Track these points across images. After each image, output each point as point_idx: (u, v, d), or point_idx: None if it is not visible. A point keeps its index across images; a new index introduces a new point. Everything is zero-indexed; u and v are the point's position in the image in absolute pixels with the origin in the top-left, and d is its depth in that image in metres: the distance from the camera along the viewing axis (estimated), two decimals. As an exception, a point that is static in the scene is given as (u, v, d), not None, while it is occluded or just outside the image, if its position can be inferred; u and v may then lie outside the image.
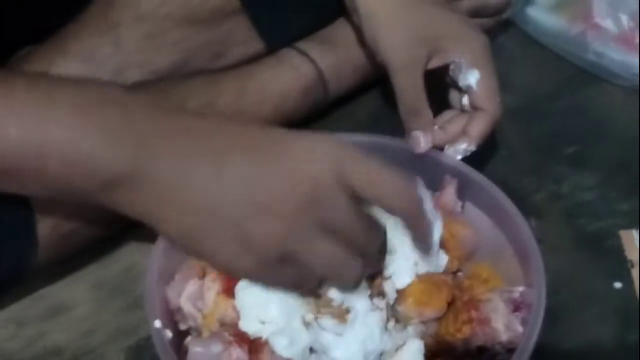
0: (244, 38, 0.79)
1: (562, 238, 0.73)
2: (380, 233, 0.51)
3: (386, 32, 0.67)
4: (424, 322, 0.57)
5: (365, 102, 0.85)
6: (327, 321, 0.53)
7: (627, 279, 0.69)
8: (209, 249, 0.48)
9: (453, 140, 0.67)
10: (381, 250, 0.53)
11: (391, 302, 0.56)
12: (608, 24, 0.83)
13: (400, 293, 0.56)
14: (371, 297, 0.55)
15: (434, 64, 0.68)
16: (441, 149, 0.68)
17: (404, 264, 0.56)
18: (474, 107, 0.67)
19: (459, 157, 0.66)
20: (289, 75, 0.77)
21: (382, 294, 0.56)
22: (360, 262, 0.50)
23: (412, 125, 0.67)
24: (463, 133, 0.67)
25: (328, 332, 0.53)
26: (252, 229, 0.46)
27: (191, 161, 0.47)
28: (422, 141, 0.66)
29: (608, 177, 0.78)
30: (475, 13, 0.80)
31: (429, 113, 0.67)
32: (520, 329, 0.56)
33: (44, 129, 0.46)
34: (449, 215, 0.63)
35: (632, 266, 0.69)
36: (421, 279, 0.57)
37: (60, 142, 0.46)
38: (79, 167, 0.46)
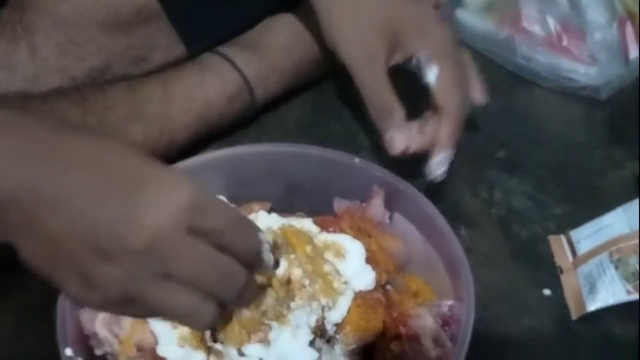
0: (165, 42, 0.76)
1: (494, 246, 0.72)
2: (240, 275, 0.45)
3: (344, 29, 0.65)
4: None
5: (293, 108, 0.83)
6: (251, 348, 0.51)
7: (556, 285, 0.68)
8: (59, 280, 0.44)
9: (432, 143, 0.64)
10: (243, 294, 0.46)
11: (331, 334, 0.54)
12: (535, 28, 0.83)
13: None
14: (314, 339, 0.53)
15: (396, 59, 0.65)
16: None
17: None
18: (437, 108, 0.64)
19: (443, 169, 0.63)
20: (213, 82, 0.75)
21: (323, 333, 0.54)
22: (213, 305, 0.45)
23: (383, 125, 0.64)
24: (434, 142, 0.64)
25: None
26: (92, 270, 0.42)
27: (48, 189, 0.42)
28: (397, 141, 0.63)
29: (540, 182, 0.78)
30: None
31: (399, 110, 0.64)
32: (449, 344, 0.55)
33: None
34: (376, 227, 0.62)
35: (562, 272, 0.69)
36: (357, 302, 0.55)
37: None
38: None
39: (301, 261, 0.55)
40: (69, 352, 0.51)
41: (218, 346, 0.51)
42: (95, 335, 0.54)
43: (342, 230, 0.59)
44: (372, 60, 0.64)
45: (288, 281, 0.54)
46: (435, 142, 0.64)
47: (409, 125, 0.66)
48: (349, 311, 0.54)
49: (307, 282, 0.54)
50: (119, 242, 0.42)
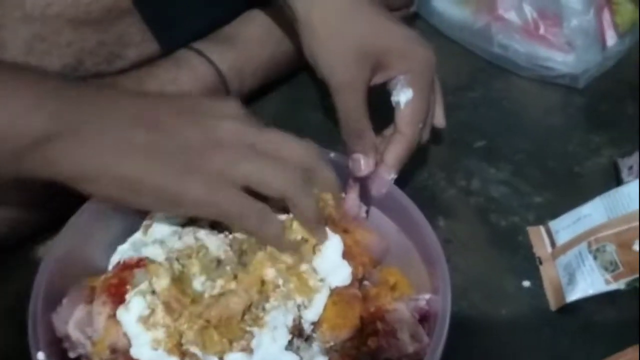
0: (138, 39, 0.75)
1: (472, 236, 0.72)
2: (308, 143, 0.56)
3: (327, 47, 0.63)
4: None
5: (269, 101, 0.82)
6: (234, 357, 0.50)
7: (535, 276, 0.68)
8: (152, 184, 0.51)
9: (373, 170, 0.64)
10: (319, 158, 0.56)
11: (308, 332, 0.54)
12: (512, 15, 0.82)
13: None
14: (291, 340, 0.52)
15: (377, 80, 0.64)
16: None
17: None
18: (396, 129, 0.64)
19: (384, 189, 0.62)
20: (187, 78, 0.74)
21: (301, 332, 0.53)
22: (302, 170, 0.54)
23: (353, 147, 0.63)
24: (380, 160, 0.63)
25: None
26: (197, 159, 0.51)
27: (116, 114, 0.52)
28: (362, 164, 0.63)
29: (519, 171, 0.77)
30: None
31: (371, 135, 0.64)
32: (426, 339, 0.54)
33: None
34: (353, 221, 0.61)
35: (541, 263, 0.68)
36: (333, 299, 0.54)
37: None
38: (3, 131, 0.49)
39: (274, 259, 0.54)
40: (41, 356, 0.50)
41: (195, 350, 0.50)
42: (68, 337, 0.53)
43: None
44: (352, 83, 0.62)
45: (262, 282, 0.53)
46: (381, 161, 0.63)
47: (376, 149, 0.65)
48: (325, 309, 0.54)
49: (280, 281, 0.53)
50: (213, 128, 0.53)
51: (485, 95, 0.84)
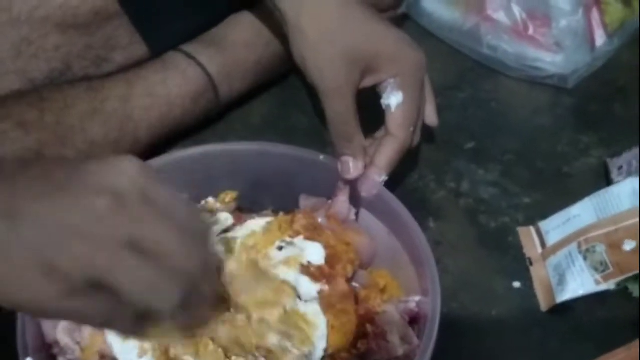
0: (126, 42, 0.75)
1: (462, 237, 0.72)
2: (202, 253, 0.43)
3: (316, 51, 0.62)
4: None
5: (259, 104, 0.82)
6: None
7: (526, 277, 0.68)
8: (9, 291, 0.41)
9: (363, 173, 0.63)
10: (204, 273, 0.44)
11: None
12: (501, 16, 0.82)
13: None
14: None
15: (366, 83, 0.64)
16: None
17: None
18: (387, 131, 0.64)
19: (374, 191, 0.62)
20: (176, 81, 0.74)
21: None
22: (178, 286, 0.42)
23: (342, 150, 0.63)
24: (371, 162, 0.63)
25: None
26: (55, 255, 0.40)
27: None
28: (351, 167, 0.63)
29: (508, 172, 0.77)
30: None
31: (360, 139, 0.64)
32: (416, 341, 0.54)
33: None
34: (342, 224, 0.61)
35: (531, 264, 0.68)
36: (331, 323, 0.54)
37: None
38: None
39: (271, 322, 0.54)
40: (28, 362, 0.50)
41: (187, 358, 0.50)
42: (57, 343, 0.53)
43: (297, 234, 0.59)
44: (342, 88, 0.62)
45: (269, 352, 0.53)
46: (372, 163, 0.63)
47: (365, 153, 0.65)
48: (327, 338, 0.54)
49: (288, 344, 0.53)
50: (80, 214, 0.40)
51: (474, 95, 0.84)
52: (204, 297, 0.44)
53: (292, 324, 0.54)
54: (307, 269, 0.56)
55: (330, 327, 0.54)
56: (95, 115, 0.70)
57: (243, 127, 0.80)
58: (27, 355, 0.50)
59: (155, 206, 0.41)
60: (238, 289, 0.55)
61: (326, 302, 0.55)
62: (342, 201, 0.62)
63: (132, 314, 0.42)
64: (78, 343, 0.52)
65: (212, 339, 0.51)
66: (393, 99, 0.63)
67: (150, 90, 0.73)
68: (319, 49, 0.62)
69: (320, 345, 0.54)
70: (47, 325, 0.53)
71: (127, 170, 0.42)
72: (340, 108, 0.62)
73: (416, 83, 0.64)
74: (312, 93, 0.83)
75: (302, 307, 0.55)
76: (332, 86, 0.62)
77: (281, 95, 0.84)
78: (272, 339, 0.53)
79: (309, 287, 0.55)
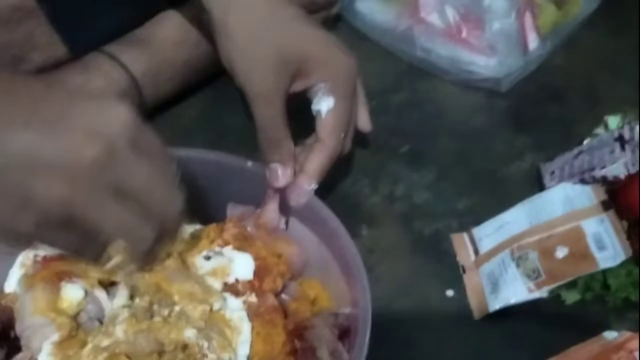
0: (45, 41, 0.71)
1: (396, 244, 0.70)
2: (177, 201, 0.47)
3: (244, 54, 0.60)
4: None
5: (188, 106, 0.80)
6: None
7: (460, 285, 0.67)
8: None
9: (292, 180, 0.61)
10: (177, 219, 0.48)
11: None
12: (434, 18, 0.81)
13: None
14: None
15: (296, 88, 0.62)
16: None
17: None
18: (317, 138, 0.62)
19: (304, 200, 0.60)
20: (98, 83, 0.71)
21: None
22: (153, 229, 0.46)
23: (271, 157, 0.61)
24: (300, 169, 0.61)
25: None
26: (34, 188, 0.42)
27: None
28: (280, 175, 0.61)
29: (443, 175, 0.76)
30: (303, 8, 0.76)
31: (289, 145, 0.61)
32: (346, 356, 0.53)
33: None
34: (272, 234, 0.59)
35: (464, 272, 0.67)
36: (256, 330, 0.53)
37: None
38: None
39: (192, 317, 0.52)
40: None
41: None
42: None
43: (226, 243, 0.56)
44: (271, 92, 0.60)
45: (184, 347, 0.50)
46: (302, 171, 0.61)
47: (295, 160, 0.63)
48: (251, 345, 0.52)
49: (205, 344, 0.51)
50: (66, 156, 0.42)
51: (409, 98, 0.83)
52: (170, 239, 0.49)
53: (214, 325, 0.52)
54: (233, 287, 0.54)
55: (256, 334, 0.53)
56: None
57: (172, 130, 0.77)
58: None
59: (142, 155, 0.44)
60: (168, 277, 0.53)
61: (253, 312, 0.53)
62: (271, 210, 0.60)
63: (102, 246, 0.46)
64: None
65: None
66: (323, 105, 0.61)
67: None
68: (247, 51, 0.60)
69: (242, 351, 0.52)
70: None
71: (119, 117, 0.44)
72: (268, 113, 0.60)
73: (347, 88, 0.62)
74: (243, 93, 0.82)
75: (228, 313, 0.53)
76: (260, 90, 0.59)
77: (213, 95, 0.81)
78: (189, 333, 0.51)
79: (234, 302, 0.53)
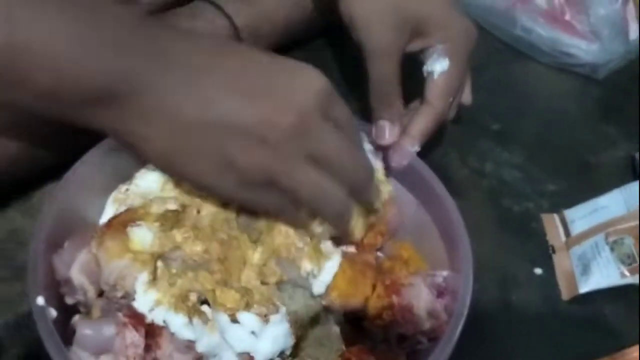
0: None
1: (484, 219, 0.70)
2: (367, 166, 0.51)
3: (366, 8, 0.60)
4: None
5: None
6: (248, 317, 0.48)
7: (548, 264, 0.66)
8: (191, 169, 0.47)
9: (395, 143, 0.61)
10: (369, 183, 0.52)
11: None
12: (539, -2, 0.80)
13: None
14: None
15: (413, 47, 0.61)
16: None
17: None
18: (425, 100, 0.61)
19: (406, 161, 0.60)
20: (203, 30, 0.70)
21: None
22: (346, 193, 0.49)
23: (380, 113, 0.60)
24: (404, 131, 0.61)
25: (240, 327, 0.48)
26: (236, 153, 0.46)
27: (178, 81, 0.46)
28: (387, 133, 0.60)
29: (532, 157, 0.76)
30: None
31: (400, 104, 0.61)
32: (444, 316, 0.52)
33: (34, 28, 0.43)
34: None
35: (554, 252, 0.67)
36: (344, 267, 0.52)
37: (46, 48, 0.43)
38: (64, 75, 0.44)
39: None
40: (40, 300, 0.47)
41: (205, 308, 0.48)
42: (68, 281, 0.50)
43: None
44: (390, 48, 0.59)
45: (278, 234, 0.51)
46: (405, 132, 0.61)
47: (401, 120, 0.62)
48: (335, 277, 0.52)
49: (299, 243, 0.51)
50: (265, 123, 0.45)
51: (501, 77, 0.82)
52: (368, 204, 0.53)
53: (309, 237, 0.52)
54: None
55: (343, 271, 0.52)
56: None
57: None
58: (38, 294, 0.47)
59: (334, 123, 0.47)
60: None
61: (348, 258, 0.53)
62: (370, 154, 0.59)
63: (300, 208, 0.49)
64: (94, 283, 0.49)
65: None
66: (438, 66, 0.61)
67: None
68: (369, 5, 0.59)
69: (324, 276, 0.51)
70: (59, 261, 0.50)
71: (313, 86, 0.47)
72: (384, 68, 0.59)
73: (464, 53, 0.62)
74: (336, 62, 0.82)
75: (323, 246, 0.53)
76: (379, 45, 0.59)
77: (304, 58, 0.80)
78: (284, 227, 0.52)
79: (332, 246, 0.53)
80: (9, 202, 0.62)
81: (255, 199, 0.49)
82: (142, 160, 0.53)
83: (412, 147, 0.60)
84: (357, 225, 0.54)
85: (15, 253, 0.59)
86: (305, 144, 0.46)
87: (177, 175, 0.51)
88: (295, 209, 0.50)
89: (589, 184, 0.72)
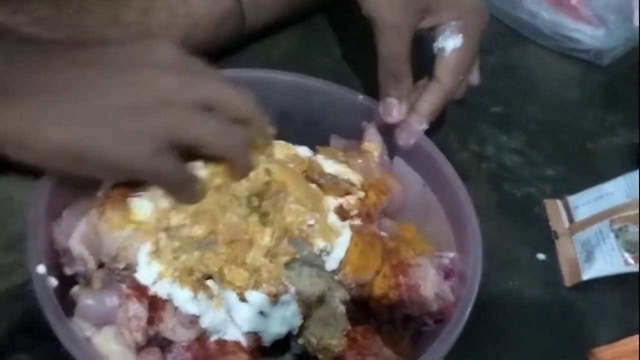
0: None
1: (484, 203, 0.68)
2: (245, 95, 0.50)
3: None
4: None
5: (281, 39, 0.78)
6: (257, 296, 0.47)
7: (550, 250, 0.65)
8: (92, 152, 0.45)
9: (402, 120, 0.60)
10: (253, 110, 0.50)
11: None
12: (544, -19, 0.79)
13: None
14: None
15: (426, 24, 0.60)
16: None
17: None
18: (434, 77, 0.60)
19: (413, 140, 0.59)
20: (201, 1, 0.69)
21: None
22: (244, 129, 0.49)
23: (389, 90, 0.59)
24: (412, 109, 0.59)
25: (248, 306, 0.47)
26: (140, 123, 0.45)
27: (59, 75, 0.46)
28: (394, 110, 0.59)
29: (532, 141, 0.75)
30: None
31: (409, 81, 0.60)
32: (451, 298, 0.51)
33: None
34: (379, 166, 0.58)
35: (557, 237, 0.66)
36: (354, 241, 0.51)
37: None
38: None
39: (299, 196, 0.51)
40: (41, 269, 0.45)
41: (210, 283, 0.46)
42: (67, 252, 0.48)
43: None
44: (401, 23, 0.58)
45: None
46: (413, 110, 0.60)
47: (409, 98, 0.61)
48: (347, 251, 0.51)
49: (309, 219, 0.49)
50: (152, 87, 0.46)
51: (503, 61, 0.82)
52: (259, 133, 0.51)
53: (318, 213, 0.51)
54: (340, 210, 0.53)
55: (354, 244, 0.51)
56: (113, 23, 0.65)
57: (265, 60, 0.75)
58: (39, 262, 0.45)
59: (200, 71, 0.49)
60: (283, 178, 0.52)
61: (356, 230, 0.52)
62: (372, 133, 0.59)
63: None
64: (94, 253, 0.48)
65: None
66: (450, 43, 0.59)
67: (171, 6, 0.68)
68: None
69: (337, 252, 0.50)
70: (58, 231, 0.48)
71: (166, 48, 0.48)
72: (395, 44, 0.58)
73: (476, 31, 0.60)
74: (335, 36, 0.80)
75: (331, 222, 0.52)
76: (390, 20, 0.58)
77: (304, 34, 0.79)
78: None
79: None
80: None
81: (166, 167, 0.47)
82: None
83: (420, 125, 0.59)
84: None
85: (6, 222, 0.58)
86: (188, 92, 0.46)
87: (80, 170, 0.47)
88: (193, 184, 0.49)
89: (589, 171, 0.71)
